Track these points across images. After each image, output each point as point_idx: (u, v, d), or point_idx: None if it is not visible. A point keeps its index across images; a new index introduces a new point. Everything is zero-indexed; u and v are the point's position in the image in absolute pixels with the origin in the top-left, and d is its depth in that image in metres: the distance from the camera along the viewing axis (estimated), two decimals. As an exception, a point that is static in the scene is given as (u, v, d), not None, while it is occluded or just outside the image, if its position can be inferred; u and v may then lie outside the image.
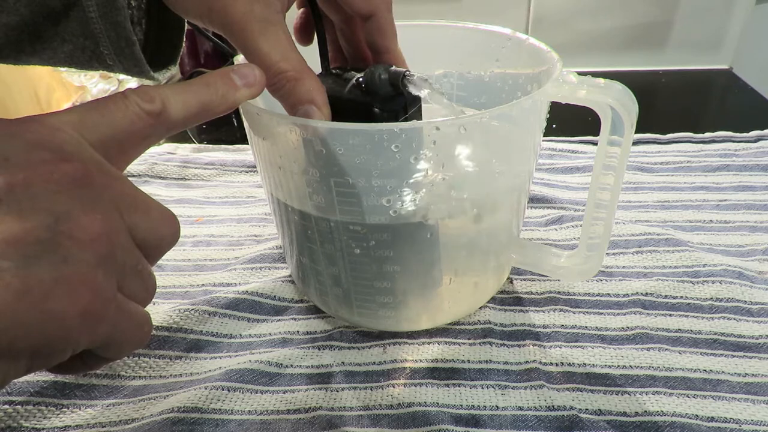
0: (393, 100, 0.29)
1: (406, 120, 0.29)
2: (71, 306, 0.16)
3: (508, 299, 0.38)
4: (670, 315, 0.36)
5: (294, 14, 0.33)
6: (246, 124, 0.31)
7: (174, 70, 0.31)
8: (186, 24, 0.30)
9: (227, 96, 0.23)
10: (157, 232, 0.20)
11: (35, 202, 0.16)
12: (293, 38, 0.33)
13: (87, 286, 0.17)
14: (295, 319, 0.38)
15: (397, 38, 0.32)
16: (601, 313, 0.37)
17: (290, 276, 0.40)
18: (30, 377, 0.32)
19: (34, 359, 0.16)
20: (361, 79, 0.29)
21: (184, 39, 0.31)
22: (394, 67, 0.28)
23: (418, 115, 0.30)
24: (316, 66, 0.31)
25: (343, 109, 0.28)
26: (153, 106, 0.21)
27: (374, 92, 0.28)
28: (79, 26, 0.26)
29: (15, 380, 0.31)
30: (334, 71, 0.31)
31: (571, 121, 0.58)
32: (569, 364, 0.33)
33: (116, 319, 0.18)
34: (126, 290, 0.19)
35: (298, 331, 0.37)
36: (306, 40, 0.34)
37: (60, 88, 0.71)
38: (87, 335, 0.17)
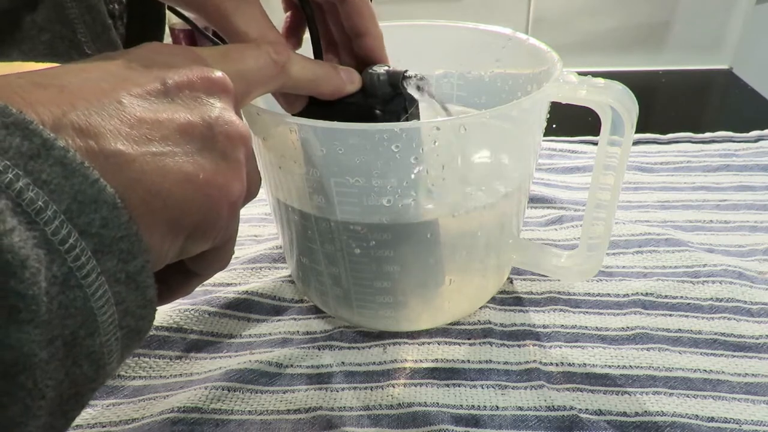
0: (393, 101, 0.28)
1: (407, 120, 0.29)
2: (225, 196, 0.18)
3: (508, 299, 0.38)
4: (670, 315, 0.36)
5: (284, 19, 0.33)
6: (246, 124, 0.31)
7: None
8: (166, 17, 0.31)
9: (333, 79, 0.26)
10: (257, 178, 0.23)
11: (198, 102, 0.19)
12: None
13: (238, 181, 0.19)
14: (295, 319, 0.38)
15: (376, 20, 0.30)
16: (601, 313, 0.37)
17: (290, 276, 0.40)
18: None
19: (187, 240, 0.18)
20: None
21: (166, 33, 0.31)
22: (392, 67, 0.28)
23: (417, 115, 0.30)
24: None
25: (342, 112, 0.27)
26: (280, 57, 0.23)
27: (373, 94, 0.28)
28: (54, 12, 0.26)
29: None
30: None
31: (571, 121, 0.58)
32: (569, 364, 0.33)
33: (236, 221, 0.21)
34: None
35: (298, 331, 0.37)
36: (296, 43, 0.33)
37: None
38: (228, 227, 0.19)
